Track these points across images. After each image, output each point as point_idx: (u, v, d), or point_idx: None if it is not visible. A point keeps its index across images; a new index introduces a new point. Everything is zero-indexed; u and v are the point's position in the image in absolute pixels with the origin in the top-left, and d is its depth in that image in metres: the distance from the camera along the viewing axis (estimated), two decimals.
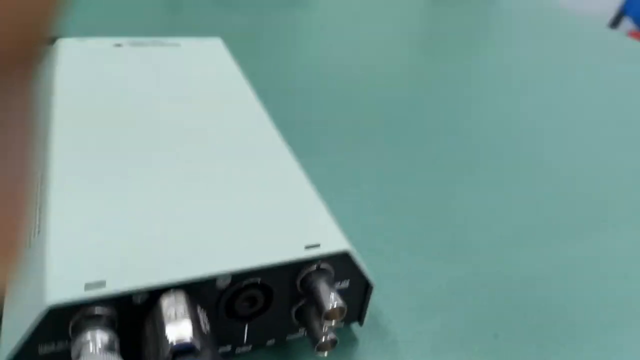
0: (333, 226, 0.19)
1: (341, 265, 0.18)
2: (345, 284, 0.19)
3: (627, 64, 0.53)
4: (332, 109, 0.37)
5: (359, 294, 0.19)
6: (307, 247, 0.17)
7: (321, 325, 0.18)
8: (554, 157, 0.35)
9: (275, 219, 0.18)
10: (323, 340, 0.17)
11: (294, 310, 0.18)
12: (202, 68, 0.28)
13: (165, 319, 0.15)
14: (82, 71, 0.26)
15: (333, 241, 0.18)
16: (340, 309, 0.17)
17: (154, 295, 0.15)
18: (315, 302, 0.17)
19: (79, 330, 0.14)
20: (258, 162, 0.21)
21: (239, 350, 0.18)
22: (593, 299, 0.24)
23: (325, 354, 0.18)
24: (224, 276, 0.16)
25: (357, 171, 0.30)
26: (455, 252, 0.25)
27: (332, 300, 0.17)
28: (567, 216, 0.29)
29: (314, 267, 0.17)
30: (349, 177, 0.30)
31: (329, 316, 0.17)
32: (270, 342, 0.19)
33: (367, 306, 0.19)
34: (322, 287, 0.17)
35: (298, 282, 0.18)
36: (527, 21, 0.62)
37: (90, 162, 0.20)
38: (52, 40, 0.28)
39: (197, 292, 0.16)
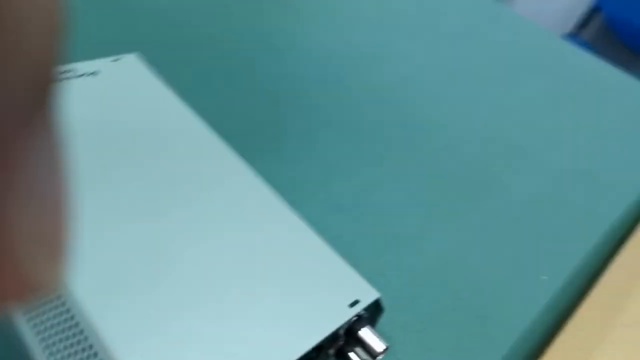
0: (357, 277, 0.22)
1: (371, 307, 0.21)
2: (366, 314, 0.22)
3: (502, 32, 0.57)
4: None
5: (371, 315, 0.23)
6: (351, 305, 0.20)
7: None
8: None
9: (310, 287, 0.20)
10: None
11: (333, 350, 0.21)
12: (133, 98, 0.26)
13: None
14: None
15: (365, 292, 0.21)
16: (386, 347, 0.21)
17: None
18: (362, 345, 0.21)
19: None
20: (263, 225, 0.22)
21: None
22: None
23: None
24: None
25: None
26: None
27: (380, 344, 0.20)
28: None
29: (355, 317, 0.21)
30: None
31: (377, 355, 0.20)
32: None
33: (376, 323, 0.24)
34: (368, 332, 0.21)
35: (342, 332, 0.21)
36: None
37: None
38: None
39: None
